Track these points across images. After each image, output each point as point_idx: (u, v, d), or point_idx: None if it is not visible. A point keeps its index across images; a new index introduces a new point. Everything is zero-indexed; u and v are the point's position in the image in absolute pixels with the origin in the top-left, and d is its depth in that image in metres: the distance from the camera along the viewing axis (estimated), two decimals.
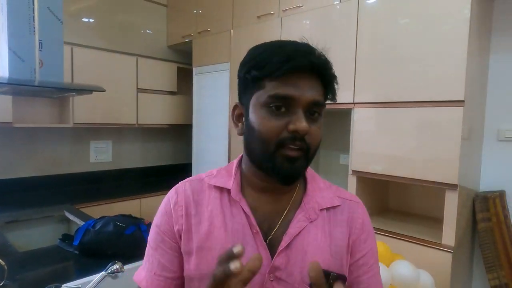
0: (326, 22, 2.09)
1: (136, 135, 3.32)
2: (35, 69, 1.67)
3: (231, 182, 0.64)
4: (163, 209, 0.68)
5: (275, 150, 0.56)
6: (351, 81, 1.95)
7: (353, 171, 1.97)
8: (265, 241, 0.61)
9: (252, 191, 0.64)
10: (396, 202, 2.26)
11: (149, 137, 3.41)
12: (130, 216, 1.68)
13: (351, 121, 1.97)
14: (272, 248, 0.61)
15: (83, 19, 2.85)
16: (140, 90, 2.97)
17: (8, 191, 2.53)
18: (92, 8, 2.89)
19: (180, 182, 0.71)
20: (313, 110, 0.58)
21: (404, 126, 1.76)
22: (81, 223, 1.88)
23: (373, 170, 1.87)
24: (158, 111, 3.13)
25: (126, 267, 1.19)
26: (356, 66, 1.93)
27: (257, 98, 0.59)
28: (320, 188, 0.67)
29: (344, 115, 2.10)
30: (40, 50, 1.69)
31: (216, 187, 0.65)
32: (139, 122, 2.98)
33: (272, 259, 0.60)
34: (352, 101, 1.95)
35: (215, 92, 2.86)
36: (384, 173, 1.83)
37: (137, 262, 1.41)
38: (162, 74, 3.15)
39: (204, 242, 0.62)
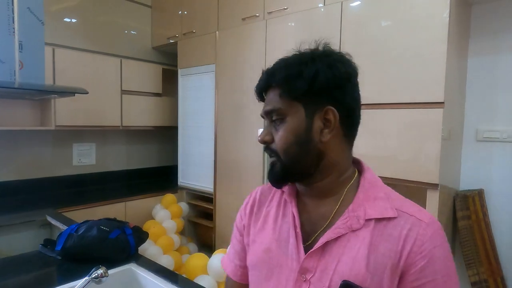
0: (310, 24, 2.11)
1: (121, 137, 3.27)
2: (15, 71, 1.64)
3: (288, 186, 0.70)
4: (240, 208, 0.78)
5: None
6: None
7: None
8: (307, 242, 0.63)
9: (302, 195, 0.69)
10: None
11: (134, 139, 3.37)
12: (114, 219, 1.66)
13: None
14: (310, 250, 0.62)
15: (65, 19, 2.79)
16: (124, 92, 2.93)
17: None
18: (74, 8, 2.84)
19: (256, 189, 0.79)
20: (272, 119, 0.64)
21: (386, 127, 1.80)
22: (64, 227, 1.84)
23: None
24: (143, 113, 3.10)
25: (110, 271, 1.17)
26: None
27: None
28: (375, 197, 0.62)
29: None
30: (20, 51, 1.66)
31: (280, 190, 0.72)
32: (123, 124, 2.94)
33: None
34: None
35: (200, 94, 2.85)
36: None
37: (122, 266, 1.40)
38: (147, 76, 3.12)
39: (256, 236, 0.70)
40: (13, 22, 1.63)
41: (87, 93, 1.84)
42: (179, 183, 3.06)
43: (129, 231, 1.56)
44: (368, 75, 1.84)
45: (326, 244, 0.60)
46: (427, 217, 0.59)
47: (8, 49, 1.62)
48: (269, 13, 2.32)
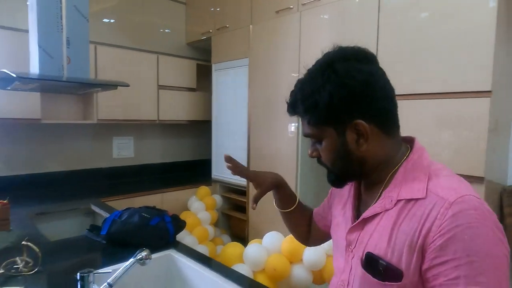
0: (346, 15, 2.07)
1: (157, 131, 3.38)
2: (63, 66, 1.73)
3: None
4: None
5: None
6: None
7: None
8: (357, 219, 0.72)
9: (362, 184, 0.79)
10: None
11: (169, 133, 3.47)
12: (154, 208, 1.72)
13: None
14: None
15: (104, 20, 2.92)
16: (160, 87, 3.03)
17: (36, 185, 2.63)
18: (113, 8, 2.97)
19: None
20: (312, 140, 0.73)
21: (427, 119, 1.73)
22: (106, 215, 1.94)
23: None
24: (178, 108, 3.18)
25: (152, 256, 1.23)
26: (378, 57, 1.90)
27: None
28: (414, 178, 0.64)
29: None
30: (67, 47, 1.75)
31: None
32: (160, 119, 3.04)
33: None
34: None
35: (233, 88, 2.88)
36: None
37: (162, 252, 1.45)
38: (182, 71, 3.20)
39: (336, 208, 0.85)
40: (61, 19, 1.72)
41: (128, 85, 1.91)
42: (212, 176, 3.12)
43: (168, 218, 1.62)
44: (408, 65, 1.78)
45: (365, 221, 0.68)
46: (456, 196, 0.57)
47: (56, 45, 1.72)
48: (303, 4, 2.30)
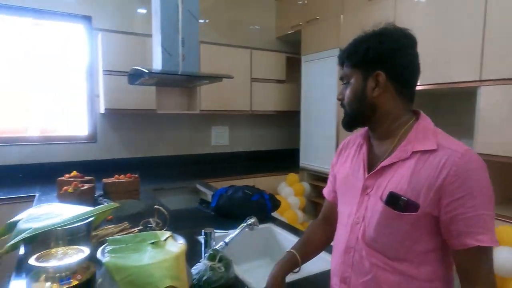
0: None
1: (249, 121, 3.64)
2: (179, 62, 2.02)
3: (363, 133, 0.95)
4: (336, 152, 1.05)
5: None
6: (475, 55, 1.82)
7: None
8: (371, 169, 0.86)
9: (371, 139, 0.91)
10: None
11: (260, 123, 3.70)
12: (253, 187, 1.91)
13: (477, 101, 1.84)
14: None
15: (208, 19, 3.25)
16: (253, 80, 3.25)
17: (151, 166, 3.09)
18: (216, 7, 3.29)
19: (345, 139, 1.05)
20: (343, 82, 0.88)
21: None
22: (210, 193, 2.21)
23: (504, 153, 1.73)
24: (269, 99, 3.38)
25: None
26: (485, 39, 1.79)
27: None
28: (424, 137, 0.80)
29: (464, 96, 1.97)
30: (182, 46, 2.03)
31: (359, 136, 0.97)
32: (252, 109, 3.27)
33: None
34: (477, 79, 1.83)
35: (323, 79, 2.95)
36: None
37: (263, 224, 1.63)
38: (273, 64, 3.38)
39: (341, 168, 0.97)
40: (178, 22, 2.01)
41: (232, 77, 2.16)
42: (300, 164, 3.25)
43: (267, 196, 1.79)
44: None
45: (383, 169, 0.82)
46: (463, 149, 0.74)
47: (174, 44, 2.01)
48: None
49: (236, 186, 1.85)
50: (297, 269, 0.98)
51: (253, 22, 3.54)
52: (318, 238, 1.05)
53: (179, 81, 2.32)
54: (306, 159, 3.19)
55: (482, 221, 0.72)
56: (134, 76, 2.11)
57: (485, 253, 0.73)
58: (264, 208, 1.74)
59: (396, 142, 0.83)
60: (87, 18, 2.80)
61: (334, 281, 0.91)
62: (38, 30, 2.70)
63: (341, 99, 0.90)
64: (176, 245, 0.94)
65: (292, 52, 3.55)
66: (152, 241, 0.95)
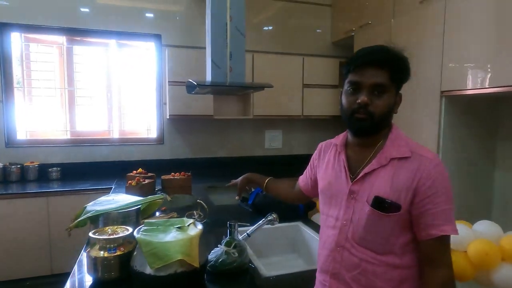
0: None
1: (302, 126, 3.76)
2: (227, 73, 2.26)
3: (339, 141, 1.05)
4: (314, 152, 1.19)
5: (350, 115, 0.93)
6: None
7: None
8: (352, 175, 0.96)
9: (350, 146, 1.02)
10: None
11: (313, 127, 3.80)
12: None
13: None
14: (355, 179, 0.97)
15: (264, 28, 3.48)
16: (305, 86, 3.37)
17: (208, 166, 3.42)
18: (271, 17, 3.52)
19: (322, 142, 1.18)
20: (374, 90, 0.90)
21: None
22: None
23: None
24: (321, 104, 3.45)
25: (284, 223, 1.67)
26: None
27: (344, 84, 0.97)
28: (399, 145, 0.92)
29: None
30: (230, 59, 2.27)
31: (334, 144, 1.07)
32: (304, 114, 3.39)
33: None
34: None
35: None
36: None
37: (292, 222, 1.77)
38: (325, 70, 3.45)
39: (323, 173, 1.07)
40: (226, 38, 2.25)
41: (272, 86, 2.31)
42: None
43: None
44: None
45: (365, 175, 0.92)
46: (432, 155, 0.88)
47: (223, 58, 2.26)
48: None
49: None
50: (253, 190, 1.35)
51: (309, 29, 3.66)
52: (284, 190, 1.42)
53: (228, 90, 2.57)
54: None
55: (445, 215, 0.85)
56: (190, 87, 2.41)
57: (447, 241, 0.87)
58: (296, 207, 1.87)
59: (375, 149, 0.94)
60: (158, 36, 3.23)
61: (323, 277, 1.00)
62: (120, 49, 3.21)
63: (367, 104, 0.89)
64: (195, 229, 1.15)
65: (345, 56, 3.57)
66: (178, 226, 1.18)
